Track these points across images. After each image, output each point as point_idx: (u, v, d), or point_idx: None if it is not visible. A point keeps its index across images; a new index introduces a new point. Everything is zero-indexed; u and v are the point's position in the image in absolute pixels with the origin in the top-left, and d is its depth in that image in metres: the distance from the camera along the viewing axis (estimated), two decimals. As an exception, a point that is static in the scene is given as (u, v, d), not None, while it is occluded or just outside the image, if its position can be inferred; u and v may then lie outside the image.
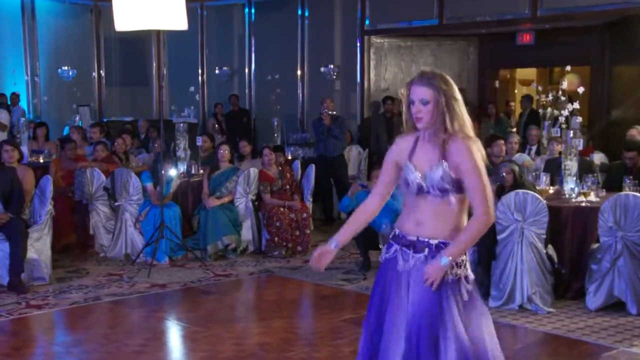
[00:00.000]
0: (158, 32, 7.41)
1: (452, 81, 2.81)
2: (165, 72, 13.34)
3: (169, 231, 7.07)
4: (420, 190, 2.81)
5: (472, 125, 2.80)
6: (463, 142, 2.74)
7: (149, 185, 7.42)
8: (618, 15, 9.94)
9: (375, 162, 10.46)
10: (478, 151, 2.76)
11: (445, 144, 2.76)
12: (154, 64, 13.55)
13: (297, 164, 8.77)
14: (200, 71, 13.44)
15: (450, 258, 2.74)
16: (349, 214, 6.84)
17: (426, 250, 2.81)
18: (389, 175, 2.94)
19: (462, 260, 2.80)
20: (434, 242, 2.80)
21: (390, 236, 2.98)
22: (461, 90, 2.95)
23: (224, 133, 11.90)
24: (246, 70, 12.92)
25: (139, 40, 13.03)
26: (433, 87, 2.74)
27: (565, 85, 6.48)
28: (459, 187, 2.76)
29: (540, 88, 9.37)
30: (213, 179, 7.69)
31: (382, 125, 10.54)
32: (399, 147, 2.91)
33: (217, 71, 13.26)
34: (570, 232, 5.76)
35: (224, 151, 7.76)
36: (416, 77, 2.80)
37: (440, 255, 2.75)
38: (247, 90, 12.92)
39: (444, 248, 2.78)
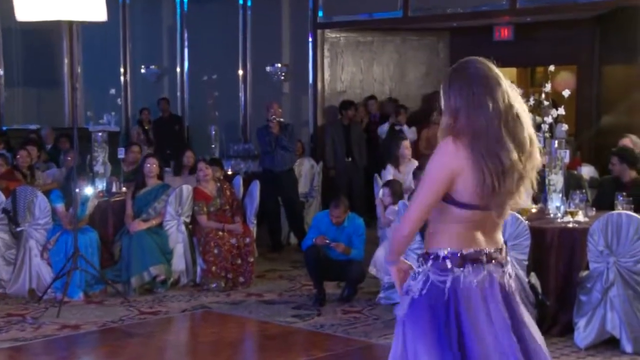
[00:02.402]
0: (70, 23, 7.36)
1: (450, 74, 2.93)
2: (79, 71, 13.18)
3: (84, 261, 6.98)
4: None
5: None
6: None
7: (60, 206, 7.34)
8: (609, 8, 10.23)
9: (332, 177, 10.56)
10: (438, 157, 2.86)
11: None
12: (66, 61, 13.40)
13: (239, 180, 8.76)
14: (122, 70, 13.32)
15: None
16: (308, 250, 6.89)
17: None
18: None
19: (417, 273, 2.93)
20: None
21: None
22: (437, 92, 3.02)
23: (151, 143, 11.83)
24: (178, 70, 12.87)
25: (47, 33, 12.86)
26: None
27: (548, 87, 6.62)
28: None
29: (520, 91, 9.53)
30: (138, 198, 7.64)
31: (339, 134, 10.63)
32: None
33: (142, 70, 13.17)
34: (555, 257, 5.87)
35: (151, 165, 7.72)
36: None
37: None
38: (179, 93, 12.86)
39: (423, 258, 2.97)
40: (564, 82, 6.97)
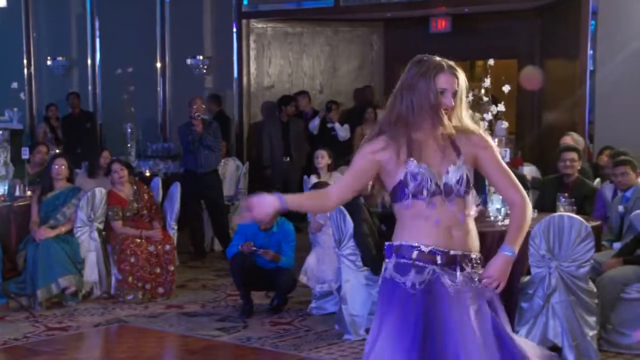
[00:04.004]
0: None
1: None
2: (-23, 62, 12.91)
3: (-15, 273, 6.87)
4: (436, 193, 3.17)
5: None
6: (477, 133, 3.26)
7: (-43, 212, 7.20)
8: (550, -1, 10.52)
9: (268, 177, 10.58)
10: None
11: (451, 139, 3.24)
12: (-39, 52, 13.13)
13: (158, 181, 8.73)
14: (25, 62, 13.14)
15: (516, 250, 3.22)
16: (234, 257, 6.89)
17: (469, 266, 3.22)
18: (365, 174, 3.31)
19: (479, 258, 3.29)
20: (474, 255, 3.25)
21: (408, 255, 3.19)
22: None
23: (60, 143, 11.69)
24: (89, 62, 12.74)
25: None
26: (457, 78, 3.20)
27: (488, 82, 6.78)
28: (470, 187, 3.24)
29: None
30: (45, 203, 7.55)
31: (277, 132, 10.66)
32: (379, 147, 3.26)
33: (49, 62, 13.02)
34: (496, 262, 6.00)
35: (60, 166, 7.64)
36: (443, 65, 3.20)
37: (502, 248, 3.23)
38: (90, 87, 12.75)
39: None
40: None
